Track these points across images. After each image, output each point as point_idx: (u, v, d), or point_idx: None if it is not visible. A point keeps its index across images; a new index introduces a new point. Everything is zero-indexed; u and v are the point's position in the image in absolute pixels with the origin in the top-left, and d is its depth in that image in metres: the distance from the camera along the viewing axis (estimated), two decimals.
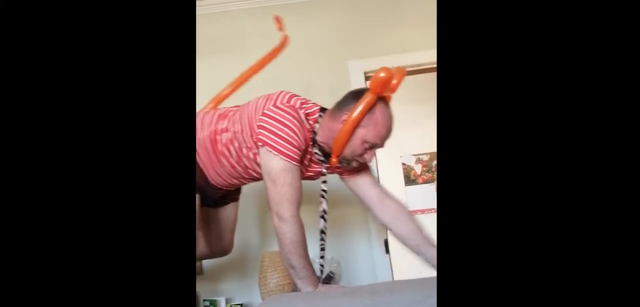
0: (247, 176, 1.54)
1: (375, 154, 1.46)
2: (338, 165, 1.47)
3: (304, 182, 1.46)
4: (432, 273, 1.34)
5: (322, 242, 1.53)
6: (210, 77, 2.48)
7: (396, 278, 2.48)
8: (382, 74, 1.32)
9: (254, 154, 1.44)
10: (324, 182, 1.52)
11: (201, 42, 2.49)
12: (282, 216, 1.36)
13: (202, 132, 1.53)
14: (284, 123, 1.37)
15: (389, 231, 2.40)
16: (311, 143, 1.46)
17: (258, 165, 1.44)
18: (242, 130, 1.45)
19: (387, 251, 2.40)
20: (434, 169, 3.45)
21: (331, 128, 1.43)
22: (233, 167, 1.51)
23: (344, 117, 1.40)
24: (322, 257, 1.57)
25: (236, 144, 1.47)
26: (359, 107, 1.37)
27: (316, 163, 1.51)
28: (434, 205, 3.00)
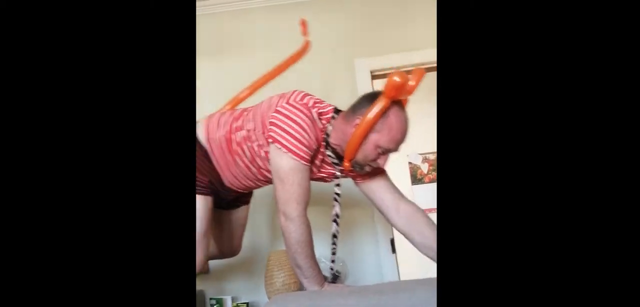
0: (261, 177, 1.52)
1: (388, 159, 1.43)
2: (351, 169, 1.44)
3: (313, 182, 1.46)
4: None
5: (334, 246, 1.52)
6: (218, 77, 2.50)
7: (402, 278, 2.48)
8: (396, 79, 1.29)
9: (266, 152, 1.43)
10: (338, 185, 1.50)
11: (208, 41, 2.51)
12: (289, 215, 1.35)
13: (218, 132, 1.52)
14: (295, 121, 1.36)
15: (394, 230, 2.41)
16: (324, 144, 1.44)
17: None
18: (255, 128, 1.44)
19: (394, 251, 2.40)
20: None
21: (344, 131, 1.40)
22: (247, 167, 1.50)
23: (357, 120, 1.37)
24: (332, 261, 1.56)
25: (249, 143, 1.46)
26: (372, 112, 1.33)
27: (329, 165, 1.49)
28: None
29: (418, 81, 1.33)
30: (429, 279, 1.21)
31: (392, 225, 1.56)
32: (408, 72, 1.36)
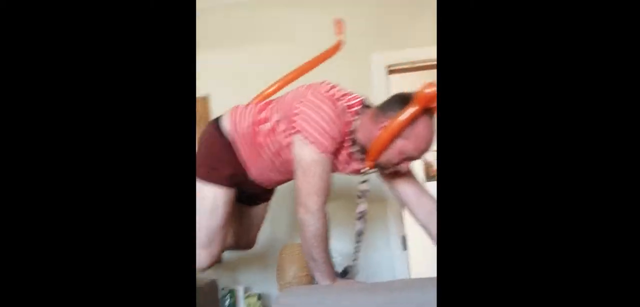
0: (284, 170, 1.51)
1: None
2: (372, 168, 1.43)
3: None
4: None
5: (358, 244, 1.52)
6: (229, 69, 2.51)
7: (413, 275, 2.47)
8: (428, 90, 1.25)
9: (290, 144, 1.42)
10: (365, 181, 1.49)
11: (220, 33, 2.52)
12: (309, 207, 1.34)
13: (242, 125, 1.51)
14: (320, 113, 1.34)
15: (406, 227, 2.40)
16: (350, 140, 1.42)
17: None
18: (281, 119, 1.43)
19: (405, 248, 2.39)
20: None
21: (371, 130, 1.38)
22: (271, 160, 1.49)
23: (385, 122, 1.34)
24: (355, 260, 1.56)
25: (275, 135, 1.45)
26: (402, 117, 1.30)
27: (356, 160, 1.47)
28: None
29: None
30: None
31: (413, 218, 1.54)
32: None
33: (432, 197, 1.52)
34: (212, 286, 2.21)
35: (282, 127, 1.43)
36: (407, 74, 2.59)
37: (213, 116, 2.41)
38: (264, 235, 1.87)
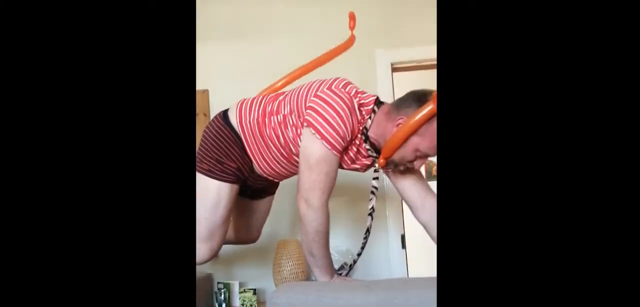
0: (291, 164, 1.50)
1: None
2: (385, 166, 1.42)
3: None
4: None
5: (365, 240, 1.52)
6: (234, 61, 2.49)
7: (411, 274, 2.46)
8: None
9: (298, 137, 1.41)
10: (375, 178, 1.48)
11: (225, 26, 2.50)
12: (312, 203, 1.33)
13: (251, 116, 1.50)
14: (335, 108, 1.33)
15: (405, 226, 2.39)
16: (362, 138, 1.42)
17: None
18: (291, 112, 1.42)
19: (404, 246, 2.37)
20: None
21: (385, 128, 1.37)
22: (280, 153, 1.48)
23: (401, 120, 1.34)
24: (359, 254, 1.56)
25: (284, 128, 1.44)
26: (419, 115, 1.29)
27: (365, 157, 1.47)
28: None
29: None
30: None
31: (415, 217, 1.54)
32: None
33: (436, 199, 1.51)
34: (208, 280, 2.20)
35: (292, 120, 1.42)
36: (411, 72, 2.57)
37: (213, 109, 2.42)
38: (263, 230, 1.85)
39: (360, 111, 1.39)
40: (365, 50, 2.44)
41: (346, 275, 1.63)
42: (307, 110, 1.36)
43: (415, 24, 2.49)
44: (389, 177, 1.56)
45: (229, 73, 2.46)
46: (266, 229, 1.86)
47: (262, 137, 1.48)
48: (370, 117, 1.40)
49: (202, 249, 1.51)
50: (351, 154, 1.45)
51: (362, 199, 2.19)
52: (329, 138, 1.32)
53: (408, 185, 1.51)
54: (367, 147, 1.42)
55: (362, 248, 1.51)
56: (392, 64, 2.48)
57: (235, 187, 1.52)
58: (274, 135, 1.46)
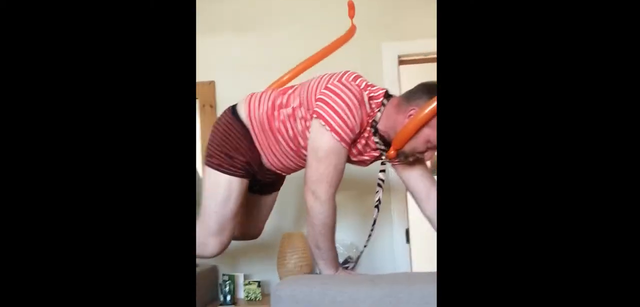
0: (300, 157, 1.50)
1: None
2: (395, 157, 1.42)
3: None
4: None
5: (371, 232, 1.52)
6: (238, 53, 2.49)
7: (415, 268, 2.46)
8: None
9: (307, 129, 1.41)
10: (382, 171, 1.48)
11: (228, 18, 2.49)
12: (319, 196, 1.33)
13: (260, 110, 1.50)
14: (345, 100, 1.33)
15: (410, 220, 2.38)
16: (371, 130, 1.42)
17: None
18: (300, 105, 1.42)
19: (408, 241, 2.37)
20: None
21: (395, 120, 1.38)
22: (289, 146, 1.48)
23: (412, 111, 1.34)
24: (365, 246, 1.57)
25: (293, 121, 1.44)
26: (430, 106, 1.29)
27: (373, 149, 1.46)
28: None
29: None
30: None
31: (420, 210, 1.54)
32: None
33: None
34: (213, 272, 2.21)
35: (301, 112, 1.41)
36: (418, 65, 2.56)
37: (218, 100, 2.42)
38: (269, 224, 1.85)
39: (370, 104, 1.39)
40: (372, 42, 2.43)
41: (352, 269, 1.63)
42: (317, 102, 1.36)
43: (421, 16, 2.47)
44: (395, 169, 1.55)
45: (235, 64, 2.46)
46: (271, 222, 1.86)
47: (271, 130, 1.47)
48: (379, 110, 1.40)
49: (212, 243, 1.51)
50: (359, 147, 1.44)
51: (368, 193, 2.19)
52: (338, 130, 1.32)
53: (414, 176, 1.51)
54: (376, 139, 1.42)
55: (368, 240, 1.51)
56: (398, 57, 2.47)
57: (245, 181, 1.52)
58: (283, 128, 1.46)
